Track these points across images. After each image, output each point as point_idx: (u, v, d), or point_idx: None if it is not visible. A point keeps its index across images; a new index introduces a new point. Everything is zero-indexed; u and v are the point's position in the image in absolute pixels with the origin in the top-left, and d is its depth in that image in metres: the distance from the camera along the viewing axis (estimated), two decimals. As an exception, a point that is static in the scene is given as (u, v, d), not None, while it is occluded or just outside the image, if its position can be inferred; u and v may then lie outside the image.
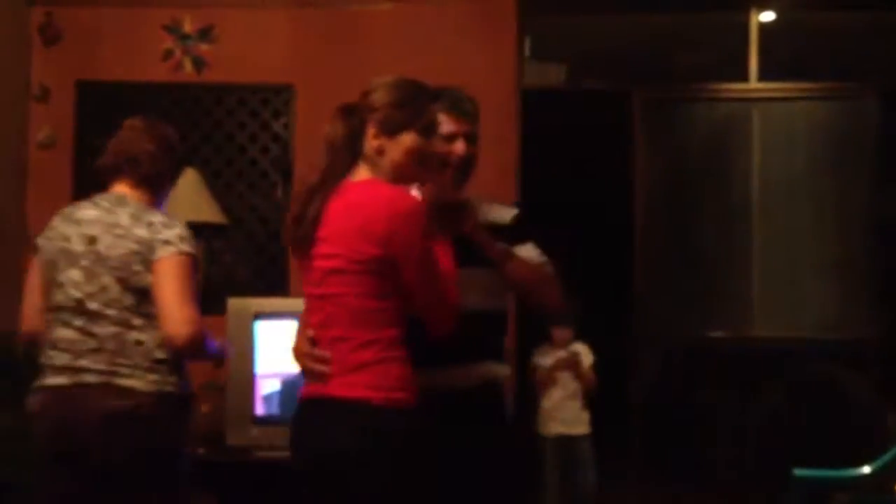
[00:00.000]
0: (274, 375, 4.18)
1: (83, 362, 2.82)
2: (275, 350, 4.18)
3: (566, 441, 4.98)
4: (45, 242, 2.95)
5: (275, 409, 4.16)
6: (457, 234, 2.59)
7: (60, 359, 2.85)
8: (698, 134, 5.07)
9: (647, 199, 5.09)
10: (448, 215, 2.58)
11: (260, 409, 4.13)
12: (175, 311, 2.76)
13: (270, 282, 4.78)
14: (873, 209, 4.97)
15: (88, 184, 4.82)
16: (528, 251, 2.77)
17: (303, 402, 2.48)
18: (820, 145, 5.03)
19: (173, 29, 4.89)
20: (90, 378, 2.81)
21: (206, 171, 4.64)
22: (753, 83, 4.95)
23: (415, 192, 2.59)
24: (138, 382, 2.79)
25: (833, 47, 5.36)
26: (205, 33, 4.89)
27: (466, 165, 2.72)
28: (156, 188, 3.00)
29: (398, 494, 2.33)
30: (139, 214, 2.87)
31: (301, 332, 2.55)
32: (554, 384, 4.96)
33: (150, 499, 2.84)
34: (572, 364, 4.94)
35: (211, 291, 4.16)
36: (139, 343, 2.82)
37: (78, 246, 2.86)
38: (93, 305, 2.83)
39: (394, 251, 2.34)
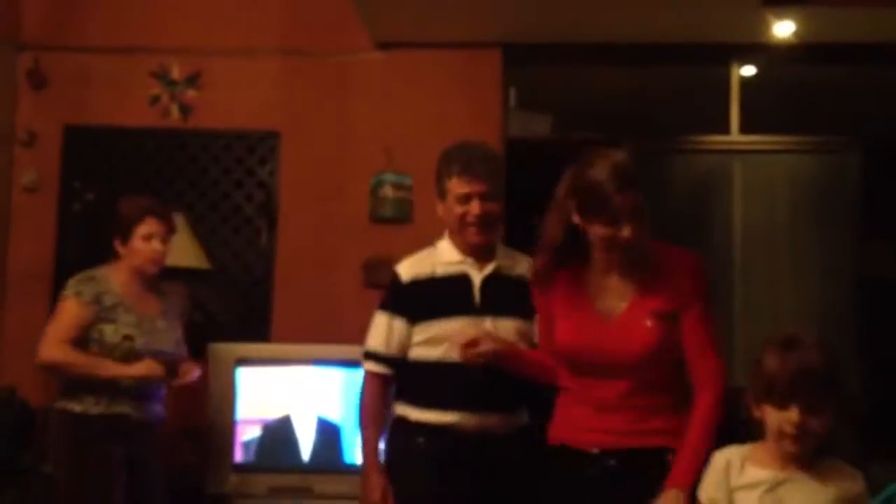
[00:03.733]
0: (255, 422, 4.15)
1: None
2: (256, 396, 4.16)
3: None
4: None
5: (253, 457, 4.13)
6: None
7: None
8: (681, 186, 5.09)
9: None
10: None
11: (239, 457, 4.10)
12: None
13: (253, 328, 4.76)
14: (855, 263, 4.99)
15: (73, 227, 4.87)
16: None
17: None
18: (802, 199, 5.06)
19: (161, 75, 4.92)
20: None
21: (190, 216, 4.65)
22: (735, 136, 5.00)
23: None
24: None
25: (814, 101, 5.42)
26: (192, 80, 4.92)
27: (487, 222, 2.91)
28: None
29: None
30: None
31: None
32: None
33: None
34: None
35: (193, 337, 4.14)
36: None
37: None
38: None
39: None
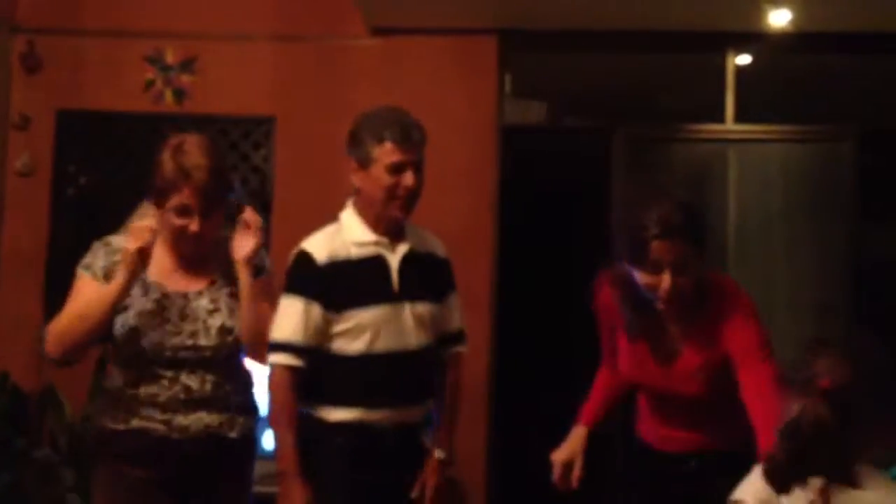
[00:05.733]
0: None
1: None
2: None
3: None
4: None
5: (248, 442, 4.11)
6: None
7: None
8: (676, 174, 5.09)
9: (624, 237, 5.09)
10: None
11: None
12: None
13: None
14: (850, 251, 5.00)
15: (66, 212, 4.85)
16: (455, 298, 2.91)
17: None
18: (796, 187, 5.06)
19: (155, 60, 4.90)
20: None
21: (184, 201, 4.63)
22: (730, 125, 5.00)
23: None
24: None
25: (809, 90, 5.42)
26: (186, 65, 4.90)
27: (415, 196, 2.70)
28: None
29: None
30: None
31: None
32: None
33: None
34: None
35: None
36: None
37: None
38: None
39: None
